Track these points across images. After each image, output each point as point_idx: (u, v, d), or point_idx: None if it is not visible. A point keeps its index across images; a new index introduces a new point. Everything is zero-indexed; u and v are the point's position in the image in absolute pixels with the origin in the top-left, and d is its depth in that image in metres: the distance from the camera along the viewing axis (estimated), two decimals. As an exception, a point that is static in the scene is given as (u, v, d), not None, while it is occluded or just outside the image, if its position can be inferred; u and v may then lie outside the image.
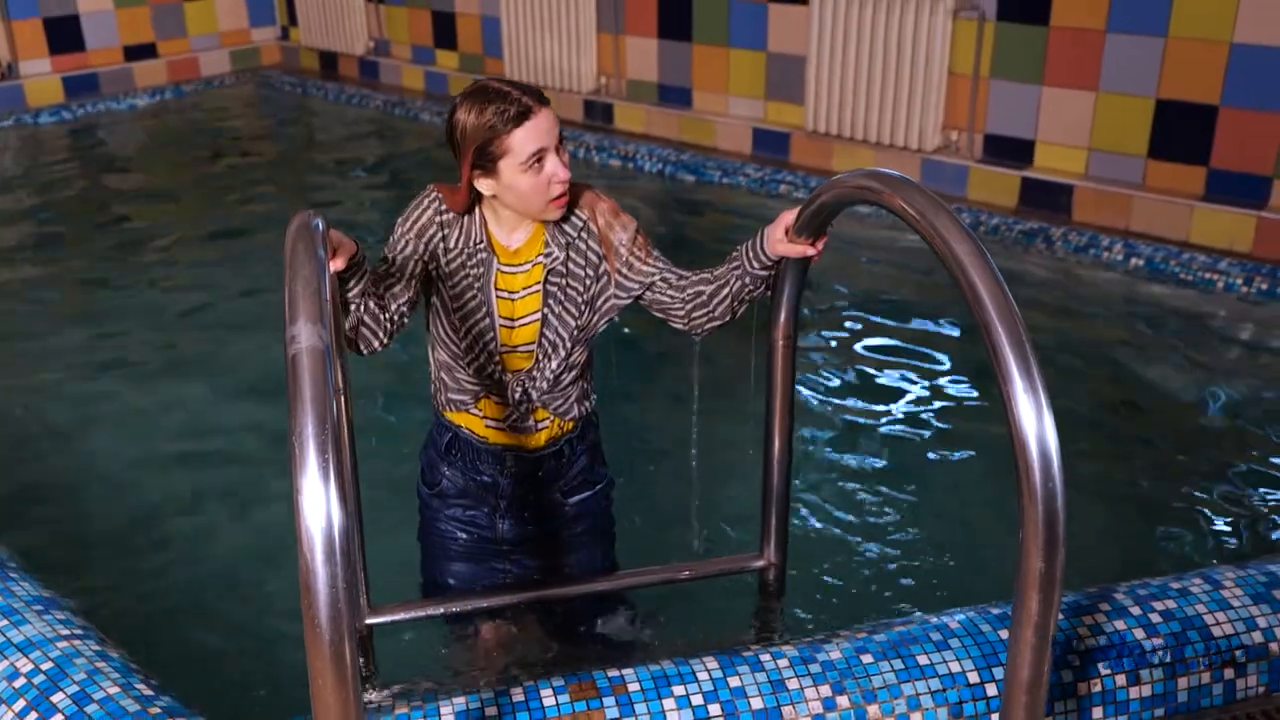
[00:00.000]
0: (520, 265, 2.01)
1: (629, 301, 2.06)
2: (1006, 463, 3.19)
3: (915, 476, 3.10)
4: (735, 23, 5.90)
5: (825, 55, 5.42)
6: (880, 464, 3.16)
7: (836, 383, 3.64)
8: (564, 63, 6.63)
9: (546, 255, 2.00)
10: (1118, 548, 2.83)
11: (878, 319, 4.14)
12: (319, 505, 1.22)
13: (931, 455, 3.22)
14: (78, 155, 6.78)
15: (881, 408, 3.48)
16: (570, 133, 6.33)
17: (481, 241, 1.99)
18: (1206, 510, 2.94)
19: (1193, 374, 3.65)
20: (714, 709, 1.91)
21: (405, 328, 2.02)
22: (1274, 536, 2.82)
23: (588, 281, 2.02)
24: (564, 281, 2.01)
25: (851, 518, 2.85)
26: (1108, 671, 2.01)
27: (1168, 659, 2.04)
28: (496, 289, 2.00)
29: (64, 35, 7.68)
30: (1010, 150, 5.09)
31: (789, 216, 1.88)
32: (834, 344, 3.93)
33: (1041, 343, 3.84)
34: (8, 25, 7.41)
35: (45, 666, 2.04)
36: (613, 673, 1.98)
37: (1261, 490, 3.01)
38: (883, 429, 3.37)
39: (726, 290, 2.00)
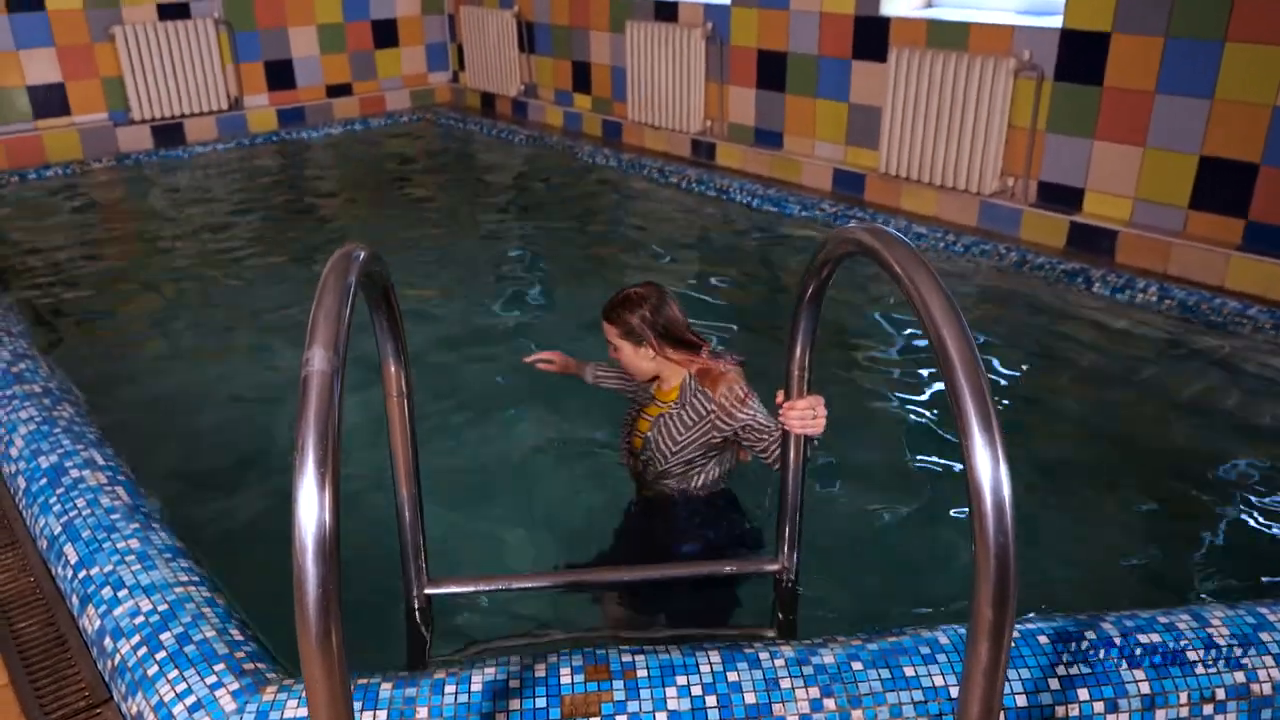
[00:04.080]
0: (658, 403, 2.42)
1: (727, 434, 2.30)
2: (1025, 483, 2.91)
3: (931, 493, 2.86)
4: (823, 76, 5.66)
5: (899, 107, 5.14)
6: (899, 479, 2.92)
7: (862, 400, 3.40)
8: (676, 106, 6.50)
9: (672, 403, 2.37)
10: (1125, 574, 2.56)
11: (903, 339, 3.89)
12: (313, 511, 1.14)
13: (952, 470, 2.97)
14: (284, 170, 6.98)
15: (906, 423, 3.24)
16: (675, 168, 6.21)
17: (650, 385, 2.46)
18: (1217, 544, 2.64)
19: (1214, 413, 3.30)
20: (710, 700, 1.77)
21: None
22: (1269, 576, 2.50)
23: (689, 424, 2.33)
24: (669, 422, 2.35)
25: (866, 530, 2.64)
26: (1086, 698, 1.80)
27: (1147, 690, 1.81)
28: (643, 411, 2.45)
29: (280, 75, 7.91)
30: (1061, 196, 4.73)
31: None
32: (861, 364, 3.69)
33: (1069, 373, 3.56)
34: (236, 68, 7.68)
35: (161, 608, 2.03)
36: (625, 657, 1.86)
37: (1269, 525, 2.68)
38: (905, 446, 3.11)
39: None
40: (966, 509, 2.75)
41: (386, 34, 8.39)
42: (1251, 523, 2.69)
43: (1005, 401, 3.35)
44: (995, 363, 3.64)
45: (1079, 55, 4.49)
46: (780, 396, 1.97)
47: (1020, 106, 4.75)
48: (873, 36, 5.33)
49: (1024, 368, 3.64)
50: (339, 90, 8.23)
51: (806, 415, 1.92)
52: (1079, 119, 4.57)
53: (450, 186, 6.51)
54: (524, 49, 7.77)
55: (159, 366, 3.83)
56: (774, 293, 4.55)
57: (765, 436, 2.21)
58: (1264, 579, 2.46)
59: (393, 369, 1.83)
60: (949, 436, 3.10)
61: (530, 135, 7.30)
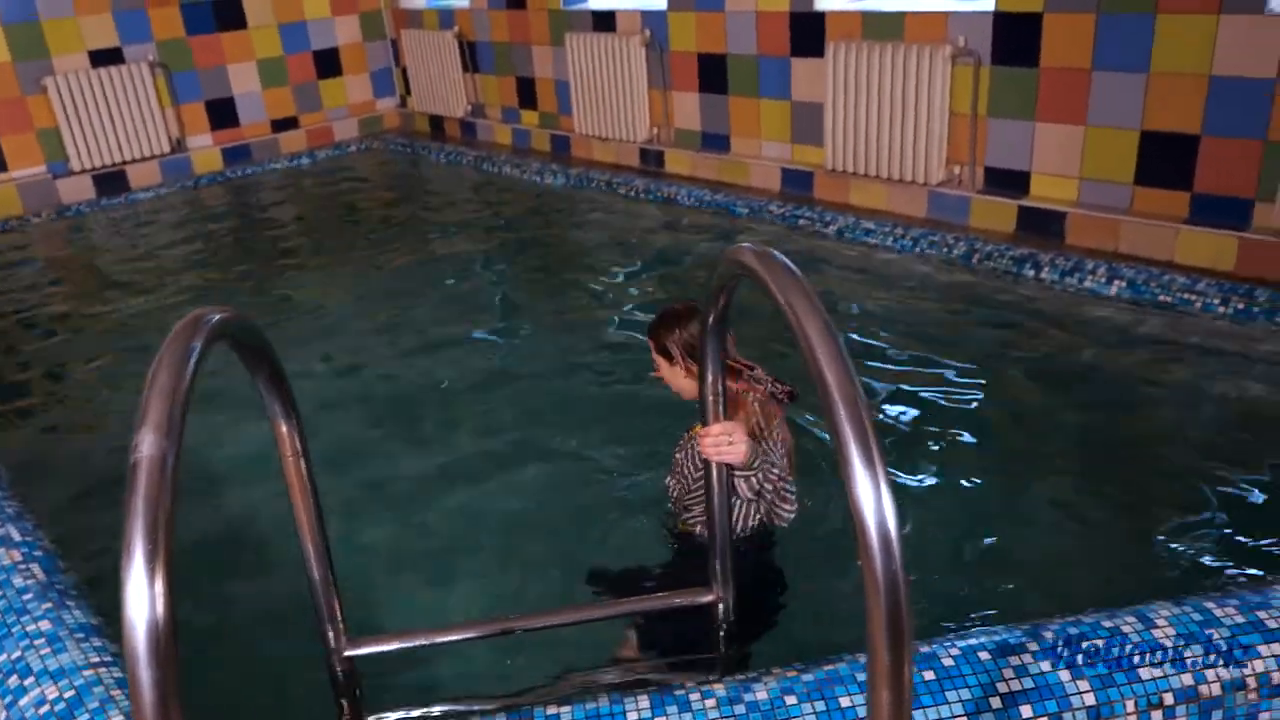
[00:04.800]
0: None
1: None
2: (967, 507, 2.83)
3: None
4: (763, 76, 5.61)
5: (840, 102, 5.09)
6: (838, 501, 2.81)
7: (803, 419, 3.29)
8: (621, 117, 6.44)
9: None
10: (1081, 569, 2.50)
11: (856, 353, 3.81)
12: (143, 610, 1.06)
13: (904, 489, 2.87)
14: (232, 212, 6.86)
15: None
16: (624, 178, 6.14)
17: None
18: (1174, 533, 2.57)
19: (1166, 393, 3.25)
20: (639, 749, 1.70)
21: None
22: (1231, 565, 2.44)
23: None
24: (696, 446, 2.18)
25: (804, 551, 2.56)
26: (1029, 714, 1.73)
27: (1092, 702, 1.74)
28: (691, 430, 2.33)
29: (222, 114, 7.81)
30: (1008, 181, 4.69)
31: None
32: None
33: (1022, 361, 3.50)
34: (176, 109, 7.57)
35: (68, 695, 1.94)
36: (550, 710, 1.78)
37: (1226, 513, 2.62)
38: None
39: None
40: (908, 529, 2.67)
41: (329, 63, 8.31)
42: (1206, 505, 2.63)
43: (961, 398, 3.29)
44: (952, 358, 3.59)
45: (1013, 38, 4.46)
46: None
47: (960, 93, 4.71)
48: (809, 32, 5.29)
49: (976, 362, 3.58)
50: (284, 124, 8.13)
51: (721, 441, 1.86)
52: (1019, 102, 4.53)
53: (402, 215, 6.42)
54: (468, 68, 7.71)
55: (96, 431, 3.73)
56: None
57: (771, 479, 2.08)
58: (1219, 566, 2.41)
59: (284, 429, 1.75)
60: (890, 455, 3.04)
61: (479, 155, 7.23)
